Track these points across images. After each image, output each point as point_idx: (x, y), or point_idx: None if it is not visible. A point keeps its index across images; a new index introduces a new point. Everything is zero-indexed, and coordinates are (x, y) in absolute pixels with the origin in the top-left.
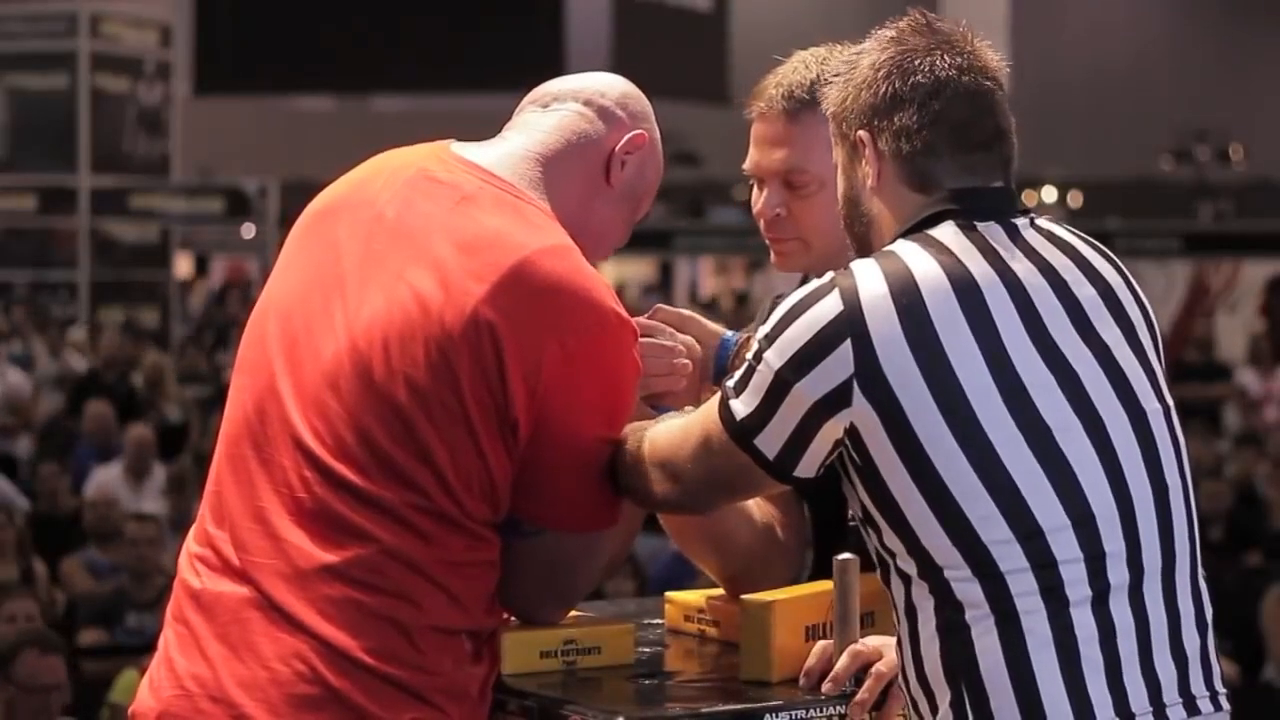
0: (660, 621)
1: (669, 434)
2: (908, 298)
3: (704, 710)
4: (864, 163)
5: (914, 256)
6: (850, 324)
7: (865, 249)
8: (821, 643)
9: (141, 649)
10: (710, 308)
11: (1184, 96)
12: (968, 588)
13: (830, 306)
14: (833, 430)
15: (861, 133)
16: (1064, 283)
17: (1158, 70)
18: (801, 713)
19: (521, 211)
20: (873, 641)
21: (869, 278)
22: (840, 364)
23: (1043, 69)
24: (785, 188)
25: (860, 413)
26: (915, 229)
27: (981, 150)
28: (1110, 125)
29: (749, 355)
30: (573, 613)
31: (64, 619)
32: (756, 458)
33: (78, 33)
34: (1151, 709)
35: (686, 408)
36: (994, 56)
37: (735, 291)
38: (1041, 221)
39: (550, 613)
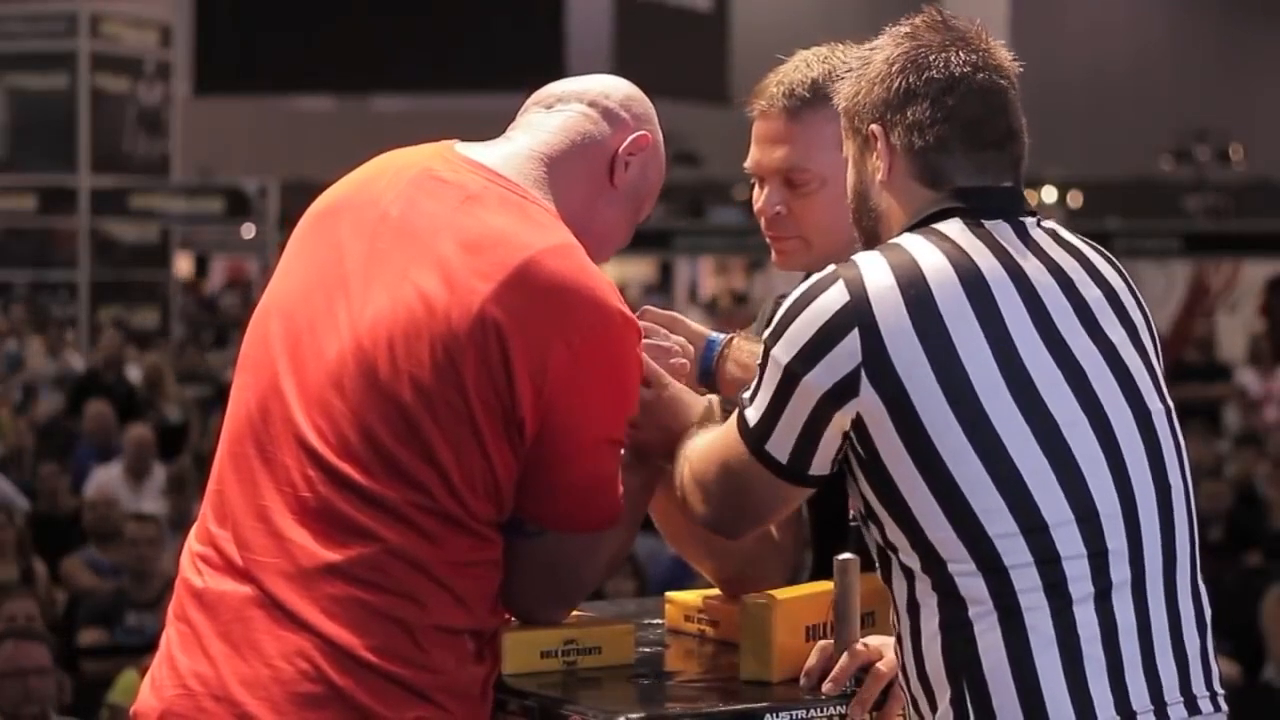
0: (660, 621)
1: (701, 453)
2: (915, 289)
3: (704, 710)
4: (875, 157)
5: (920, 249)
6: (857, 314)
7: (873, 243)
8: (821, 643)
9: (141, 649)
10: (710, 308)
11: (1184, 96)
12: (971, 583)
13: (836, 298)
14: (841, 422)
15: (874, 126)
16: (1070, 282)
17: (1158, 70)
18: (801, 713)
19: (526, 211)
20: (873, 641)
21: (875, 269)
22: (848, 354)
23: (1043, 69)
24: (786, 186)
25: (867, 403)
26: (922, 224)
27: (993, 149)
28: (1110, 125)
29: (753, 356)
30: (573, 613)
31: (64, 619)
32: (769, 464)
33: (78, 33)
34: (1153, 708)
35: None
36: (1007, 55)
37: (734, 292)
38: (1047, 223)
39: (552, 612)
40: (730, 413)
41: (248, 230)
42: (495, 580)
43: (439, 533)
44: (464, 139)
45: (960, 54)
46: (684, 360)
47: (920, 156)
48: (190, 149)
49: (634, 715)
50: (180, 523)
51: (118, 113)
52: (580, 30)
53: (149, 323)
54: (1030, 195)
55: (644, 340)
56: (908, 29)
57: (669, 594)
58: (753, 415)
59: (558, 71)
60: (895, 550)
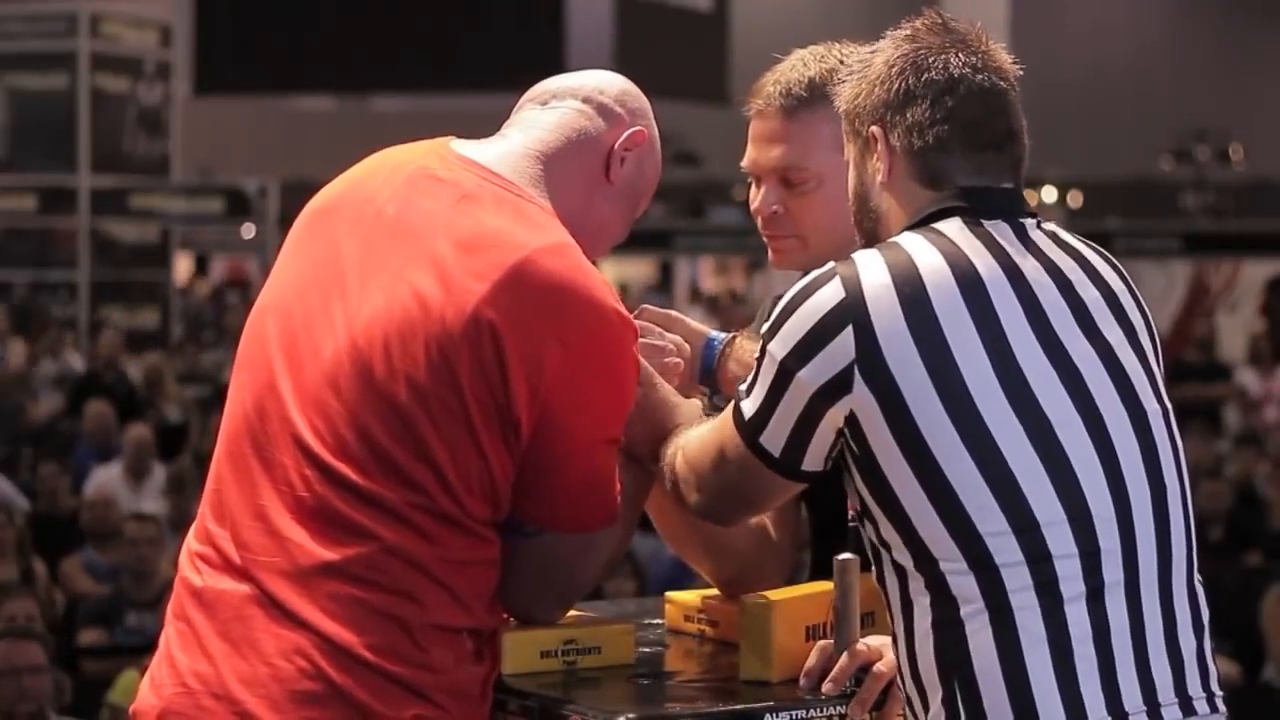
0: (660, 621)
1: (696, 442)
2: (910, 287)
3: (704, 710)
4: (875, 158)
5: (918, 248)
6: (852, 311)
7: (873, 245)
8: (821, 643)
9: (141, 649)
10: (711, 306)
11: (1184, 96)
12: (962, 581)
13: (831, 294)
14: (834, 419)
15: (874, 128)
16: (1069, 282)
17: (1158, 70)
18: (801, 713)
19: (522, 210)
20: (873, 641)
21: (871, 267)
22: (842, 351)
23: (1043, 69)
24: (783, 185)
25: (860, 400)
26: (921, 223)
27: (993, 150)
28: (1110, 125)
29: (754, 355)
30: (573, 613)
31: (64, 619)
32: (763, 456)
33: (78, 33)
34: (1146, 709)
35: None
36: (1007, 58)
37: (732, 291)
38: (1047, 225)
39: (550, 612)
40: (715, 413)
41: (248, 230)
42: (493, 579)
43: (436, 532)
44: (464, 139)
45: (960, 56)
46: (678, 360)
47: (920, 157)
48: (190, 149)
49: (634, 715)
50: (180, 523)
51: (118, 113)
52: (580, 30)
53: (149, 323)
54: (1030, 195)
55: (639, 339)
56: (908, 31)
57: (669, 594)
58: (748, 408)
59: (558, 72)
60: (888, 548)
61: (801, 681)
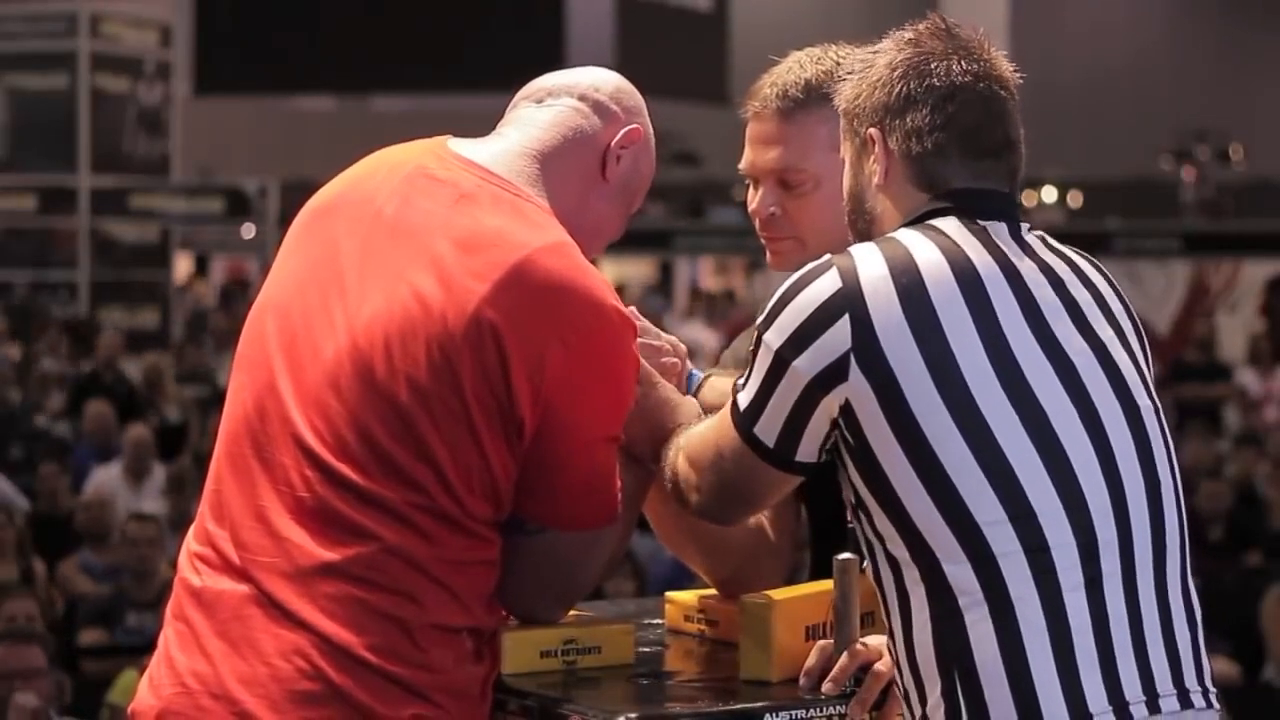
0: (660, 621)
1: (695, 440)
2: (908, 278)
3: (704, 710)
4: (872, 160)
5: (915, 242)
6: (849, 301)
7: None
8: (821, 643)
9: (141, 649)
10: (712, 304)
11: (1184, 96)
12: (960, 571)
13: (828, 284)
14: (828, 408)
15: (872, 130)
16: (1061, 281)
17: (1158, 70)
18: (801, 713)
19: (520, 209)
20: (873, 641)
21: (868, 259)
22: (837, 340)
23: (1042, 69)
24: (780, 187)
25: (856, 388)
26: (919, 220)
27: (990, 158)
28: (1110, 125)
29: (750, 344)
30: (573, 612)
31: (64, 619)
32: (757, 447)
33: (78, 33)
34: (1145, 698)
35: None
36: (1008, 66)
37: (727, 291)
38: (1037, 231)
39: (551, 611)
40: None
41: (248, 230)
42: (492, 579)
43: (436, 532)
44: (461, 138)
45: (962, 63)
46: (675, 359)
47: (917, 162)
48: (190, 149)
49: (633, 715)
50: (180, 523)
51: (118, 113)
52: (580, 30)
53: (149, 323)
54: (1030, 195)
55: (639, 340)
56: (911, 35)
57: (669, 594)
58: (744, 399)
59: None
60: (883, 540)
61: (801, 681)
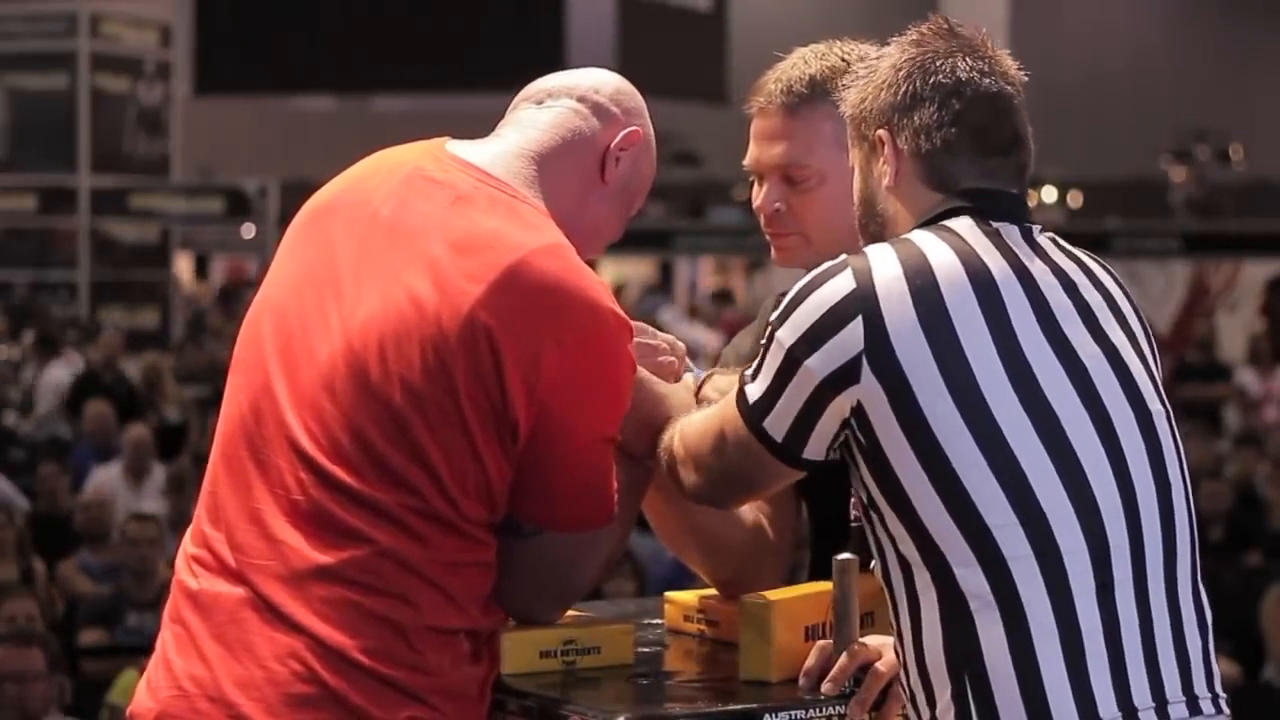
0: (660, 621)
1: (695, 426)
2: (922, 279)
3: (704, 710)
4: (881, 162)
5: (929, 244)
6: (862, 301)
7: None
8: (821, 643)
9: (141, 649)
10: (719, 299)
11: (1184, 96)
12: (970, 575)
13: (842, 285)
14: (839, 408)
15: (881, 131)
16: (1074, 284)
17: (1157, 70)
18: (801, 713)
19: (516, 211)
20: (872, 641)
21: (883, 259)
22: (850, 341)
23: (1042, 69)
24: (785, 182)
25: (868, 390)
26: (932, 221)
27: (999, 155)
28: (1110, 125)
29: (762, 339)
30: (572, 612)
31: (64, 619)
32: (765, 442)
33: (78, 33)
34: (1154, 705)
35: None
36: (1013, 63)
37: (721, 291)
38: (1048, 232)
39: (549, 612)
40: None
41: (248, 230)
42: (488, 581)
43: (430, 534)
44: (463, 139)
45: (967, 60)
46: (673, 359)
47: (927, 160)
48: (190, 149)
49: (633, 715)
50: (180, 523)
51: (118, 113)
52: (580, 30)
53: (149, 323)
54: (1030, 195)
55: (636, 340)
56: (914, 36)
57: (668, 594)
58: (753, 392)
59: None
60: (894, 541)
61: (801, 681)
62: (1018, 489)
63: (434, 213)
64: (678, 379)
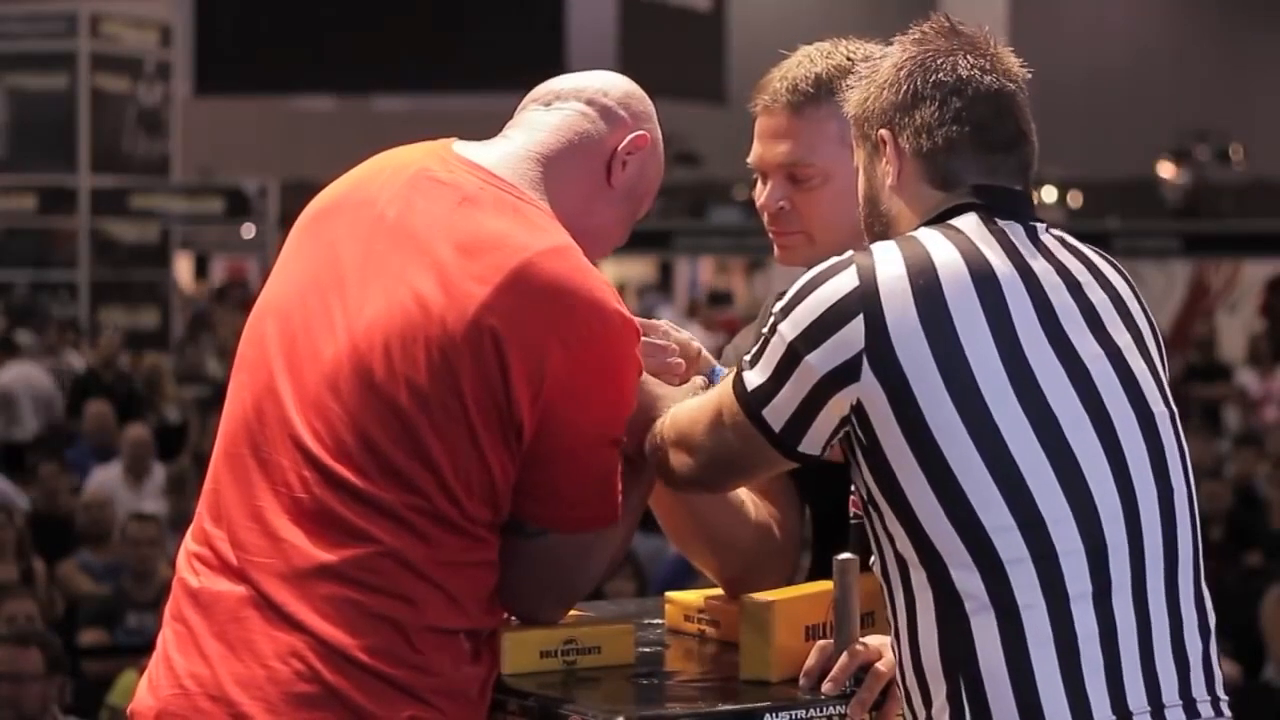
0: (660, 621)
1: (689, 409)
2: (924, 279)
3: (704, 710)
4: (884, 162)
5: (934, 242)
6: (864, 300)
7: None
8: (821, 643)
9: (141, 649)
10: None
11: (1184, 96)
12: (967, 577)
13: (846, 282)
14: (839, 405)
15: (883, 131)
16: (1078, 284)
17: (1157, 70)
18: (801, 713)
19: (522, 212)
20: (873, 641)
21: (887, 258)
22: (851, 339)
23: (1042, 69)
24: (789, 181)
25: (868, 389)
26: (937, 219)
27: (1002, 152)
28: (1110, 125)
29: (764, 328)
30: (573, 612)
31: (64, 620)
32: (763, 430)
33: (78, 33)
34: (1150, 709)
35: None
36: (1015, 61)
37: (714, 291)
38: (1055, 230)
39: (552, 612)
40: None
41: (248, 230)
42: (490, 580)
43: (433, 534)
44: (464, 139)
45: (968, 58)
46: (680, 360)
47: (930, 159)
48: (190, 149)
49: (633, 715)
50: (180, 523)
51: (118, 113)
52: (580, 30)
53: (149, 323)
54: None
55: (642, 339)
56: (916, 35)
57: (669, 594)
58: (753, 379)
59: (558, 71)
60: (892, 540)
61: (801, 681)
62: (1015, 491)
63: (439, 214)
64: (685, 380)
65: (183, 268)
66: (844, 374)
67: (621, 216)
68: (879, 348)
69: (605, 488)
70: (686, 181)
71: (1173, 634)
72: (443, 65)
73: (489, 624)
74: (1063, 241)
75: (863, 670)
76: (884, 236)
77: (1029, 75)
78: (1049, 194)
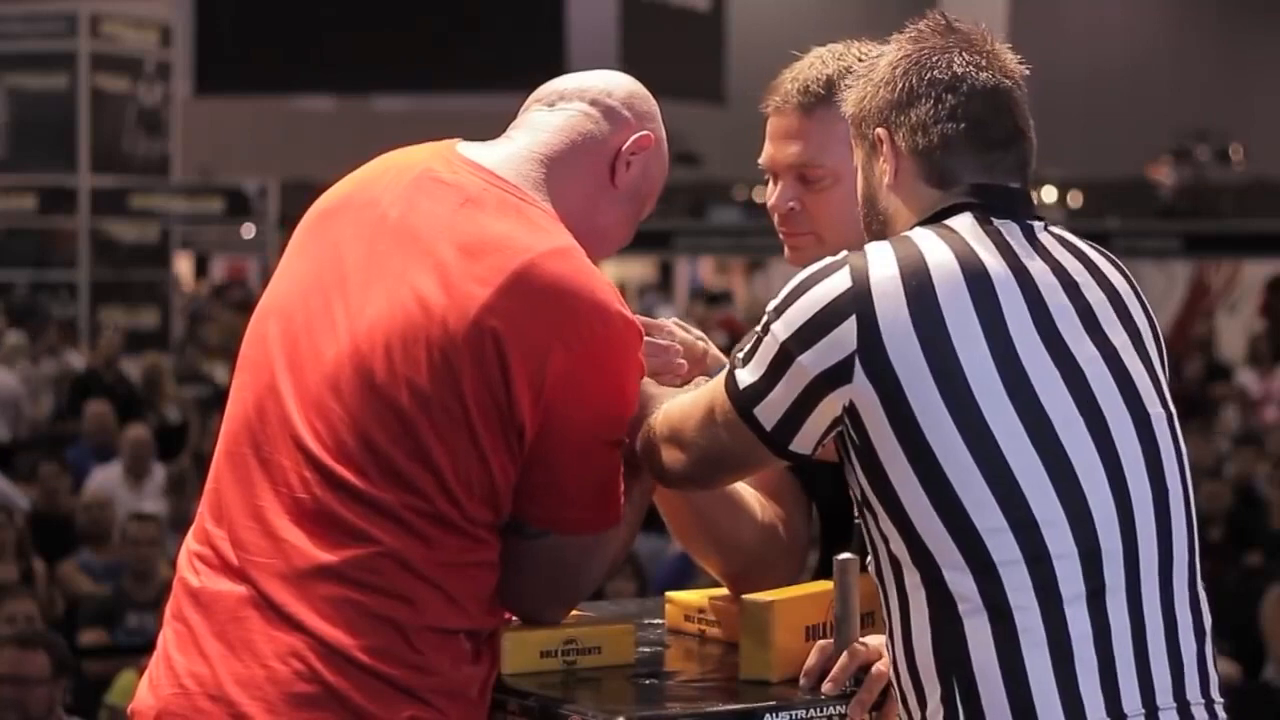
0: (660, 621)
1: (681, 406)
2: (917, 280)
3: (704, 710)
4: (881, 160)
5: (928, 242)
6: (857, 301)
7: None
8: (821, 643)
9: (141, 649)
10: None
11: (1184, 96)
12: (960, 579)
13: (839, 283)
14: (831, 406)
15: (879, 130)
16: (1075, 284)
17: (1157, 70)
18: (801, 713)
19: (525, 214)
20: (873, 641)
21: (880, 259)
22: (844, 340)
23: (1041, 69)
24: (799, 182)
25: (860, 390)
26: (933, 219)
27: (999, 149)
28: (1110, 125)
29: (758, 327)
30: (573, 612)
31: (64, 620)
32: (755, 428)
33: (78, 33)
34: (1144, 711)
35: (699, 378)
36: (1013, 58)
37: (708, 292)
38: (1054, 228)
39: (553, 613)
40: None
41: (248, 230)
42: (490, 581)
43: (434, 535)
44: (465, 139)
45: (964, 55)
46: (683, 361)
47: (926, 157)
48: (190, 149)
49: (633, 715)
50: (180, 523)
51: (118, 113)
52: (581, 30)
53: (149, 323)
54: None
55: (646, 339)
56: (912, 33)
57: (669, 594)
58: (745, 377)
59: (558, 71)
60: (886, 541)
61: (801, 681)
62: (1009, 493)
63: (442, 215)
64: (686, 381)
65: (183, 268)
66: (836, 375)
67: (625, 217)
68: (871, 350)
69: (607, 489)
70: (686, 181)
71: (1167, 636)
72: (443, 65)
73: (489, 624)
74: (1061, 239)
75: (863, 670)
76: (882, 235)
77: (1027, 73)
78: (1049, 194)
